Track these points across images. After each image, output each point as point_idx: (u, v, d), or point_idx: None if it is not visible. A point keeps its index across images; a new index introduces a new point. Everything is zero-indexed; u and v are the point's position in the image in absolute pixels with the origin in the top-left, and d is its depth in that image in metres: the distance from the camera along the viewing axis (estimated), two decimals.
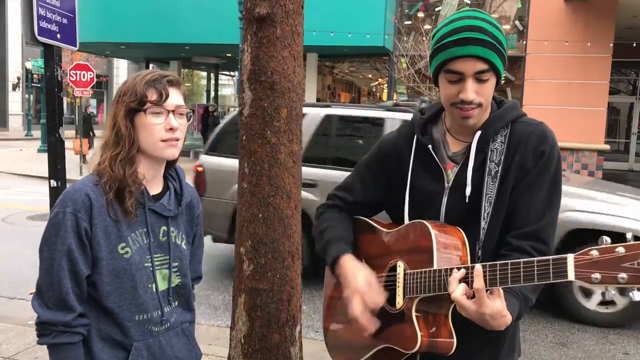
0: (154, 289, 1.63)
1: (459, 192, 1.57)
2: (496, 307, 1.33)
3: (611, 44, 13.18)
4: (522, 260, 1.30)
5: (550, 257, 1.26)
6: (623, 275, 1.15)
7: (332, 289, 1.87)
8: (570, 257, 1.22)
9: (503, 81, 1.60)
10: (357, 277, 1.59)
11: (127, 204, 1.55)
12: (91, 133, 17.32)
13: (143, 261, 1.59)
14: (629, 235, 1.17)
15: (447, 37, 1.48)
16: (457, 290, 1.36)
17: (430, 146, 1.63)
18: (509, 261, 1.32)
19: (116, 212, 1.55)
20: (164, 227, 1.66)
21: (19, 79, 32.33)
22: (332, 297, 1.87)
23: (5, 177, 13.96)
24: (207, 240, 7.70)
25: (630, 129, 19.27)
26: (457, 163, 1.60)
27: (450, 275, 1.40)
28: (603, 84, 13.61)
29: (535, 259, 1.29)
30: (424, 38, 12.93)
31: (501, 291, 1.34)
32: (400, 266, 1.56)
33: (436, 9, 15.05)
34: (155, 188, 1.67)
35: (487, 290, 1.34)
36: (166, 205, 1.66)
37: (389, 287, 1.59)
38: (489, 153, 1.55)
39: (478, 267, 1.34)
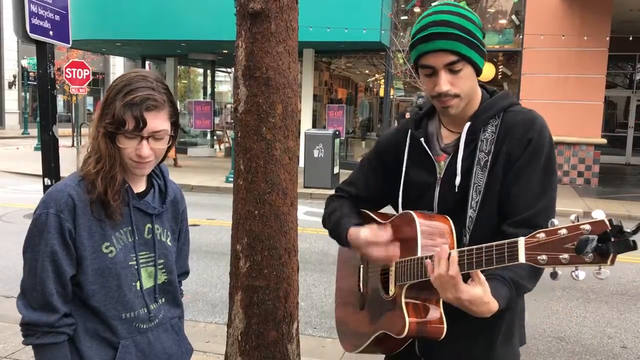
0: (139, 287, 1.62)
1: (450, 182, 1.62)
2: (474, 293, 1.35)
3: (607, 38, 13.16)
4: (484, 245, 1.33)
5: (506, 240, 1.28)
6: (565, 255, 1.17)
7: (342, 280, 1.96)
8: (522, 240, 1.25)
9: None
10: (360, 234, 1.66)
11: (110, 211, 1.54)
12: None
13: (128, 259, 1.59)
14: (572, 217, 1.19)
15: (416, 34, 1.57)
16: (435, 274, 1.39)
17: (422, 139, 1.69)
18: (476, 247, 1.35)
19: (100, 212, 1.54)
20: (149, 225, 1.65)
21: (15, 77, 32.23)
22: (341, 288, 1.97)
23: (1, 175, 13.91)
24: (203, 237, 7.69)
25: (628, 122, 19.28)
26: (449, 154, 1.66)
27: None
28: (599, 78, 13.60)
29: (494, 243, 1.31)
30: None
31: (482, 277, 1.36)
32: None
33: (432, 4, 15.01)
34: (139, 186, 1.66)
35: (469, 277, 1.37)
36: (150, 202, 1.66)
37: (386, 275, 1.66)
38: (479, 143, 1.59)
39: (454, 253, 1.37)
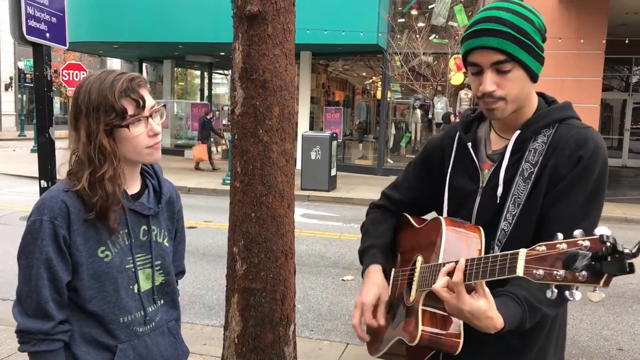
0: (136, 290, 1.61)
1: (492, 192, 1.53)
2: (477, 306, 1.28)
3: (604, 41, 13.20)
4: (491, 255, 1.27)
5: (509, 251, 1.22)
6: (560, 272, 1.09)
7: None
8: (523, 252, 1.17)
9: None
10: (370, 291, 1.64)
11: (111, 222, 1.52)
12: (211, 139, 16.22)
13: (124, 263, 1.58)
14: (576, 232, 1.11)
15: (468, 29, 1.49)
16: (439, 282, 1.34)
17: (469, 144, 1.61)
18: (484, 256, 1.29)
19: (96, 222, 1.52)
20: (144, 227, 1.64)
21: (11, 79, 32.19)
22: None
23: None
24: (200, 239, 7.68)
25: (624, 125, 19.33)
26: (494, 162, 1.57)
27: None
28: (596, 81, 13.63)
29: (500, 253, 1.25)
30: (417, 36, 12.92)
31: (486, 290, 1.29)
32: (419, 260, 1.58)
33: (429, 7, 15.05)
34: (133, 187, 1.64)
35: (473, 290, 1.30)
36: (146, 204, 1.64)
37: (412, 280, 1.61)
38: (527, 153, 1.50)
39: (462, 260, 1.31)
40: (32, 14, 3.23)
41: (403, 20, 15.30)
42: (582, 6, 13.21)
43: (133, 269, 1.60)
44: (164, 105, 1.62)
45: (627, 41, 13.69)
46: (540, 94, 1.61)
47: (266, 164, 2.79)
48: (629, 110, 19.08)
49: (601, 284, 1.05)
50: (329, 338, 4.63)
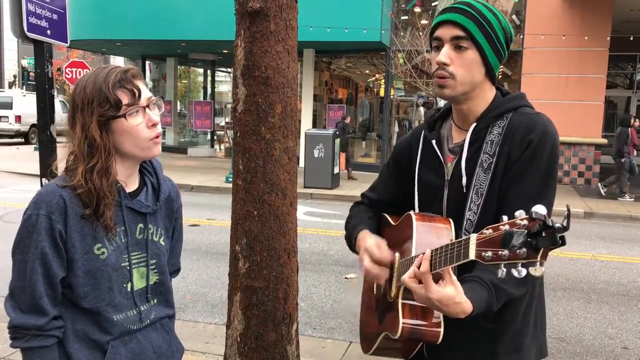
0: (129, 289, 1.59)
1: (457, 183, 1.60)
2: (444, 293, 1.32)
3: (608, 38, 13.16)
4: (449, 243, 1.32)
5: (463, 238, 1.27)
6: (505, 252, 1.15)
7: (366, 282, 1.97)
8: (474, 237, 1.22)
9: (500, 74, 1.59)
10: (367, 240, 1.69)
11: (106, 219, 1.50)
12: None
13: (120, 261, 1.56)
14: (517, 213, 1.15)
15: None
16: (407, 273, 1.39)
17: (434, 141, 1.68)
18: (444, 245, 1.34)
19: (92, 217, 1.50)
20: (141, 225, 1.61)
21: (15, 77, 32.27)
22: (364, 289, 1.99)
23: (1, 175, 13.91)
24: (203, 237, 7.68)
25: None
26: (455, 155, 1.64)
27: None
28: (600, 78, 13.59)
29: (455, 240, 1.31)
30: (420, 33, 12.88)
31: (453, 277, 1.33)
32: (397, 256, 1.62)
33: (433, 4, 14.99)
34: (131, 185, 1.62)
35: (441, 278, 1.35)
36: (144, 201, 1.62)
37: (392, 276, 1.65)
38: (484, 145, 1.57)
39: (427, 251, 1.36)
40: (33, 10, 3.21)
41: (406, 17, 15.26)
42: (586, 3, 13.16)
43: (128, 267, 1.58)
44: (161, 97, 1.61)
45: (631, 38, 13.62)
46: (496, 88, 1.67)
47: (268, 162, 2.77)
48: (634, 107, 18.99)
49: (539, 258, 1.11)
50: (332, 336, 4.61)
